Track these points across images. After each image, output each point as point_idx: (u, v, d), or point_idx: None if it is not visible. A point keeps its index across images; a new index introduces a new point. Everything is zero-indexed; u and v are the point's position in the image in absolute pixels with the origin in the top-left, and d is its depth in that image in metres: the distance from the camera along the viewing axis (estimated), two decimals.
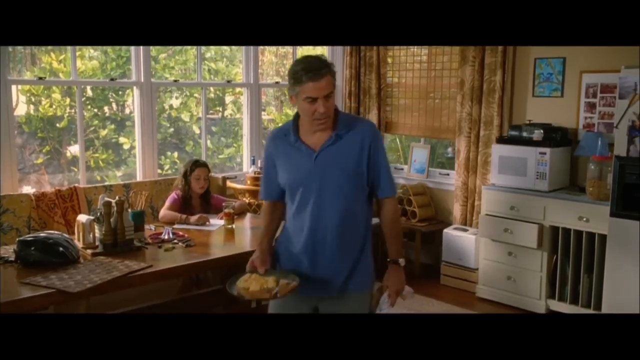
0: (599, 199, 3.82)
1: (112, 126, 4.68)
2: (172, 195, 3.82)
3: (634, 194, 3.45)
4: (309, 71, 2.05)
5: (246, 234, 3.72)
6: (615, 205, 3.53)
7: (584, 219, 3.85)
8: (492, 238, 4.28)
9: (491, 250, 4.32)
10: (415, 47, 5.19)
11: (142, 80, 4.25)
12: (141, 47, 4.21)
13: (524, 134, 4.21)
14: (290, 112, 5.57)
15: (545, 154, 4.05)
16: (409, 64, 5.25)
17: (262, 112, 5.39)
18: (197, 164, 3.84)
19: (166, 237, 3.26)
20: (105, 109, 4.78)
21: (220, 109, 5.48)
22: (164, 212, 3.73)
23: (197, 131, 4.94)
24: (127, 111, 4.84)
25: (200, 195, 3.86)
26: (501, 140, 4.33)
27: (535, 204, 4.06)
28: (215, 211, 3.84)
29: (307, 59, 2.12)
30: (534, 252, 4.08)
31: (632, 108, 3.40)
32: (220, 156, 5.26)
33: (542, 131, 4.11)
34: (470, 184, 4.72)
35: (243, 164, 5.10)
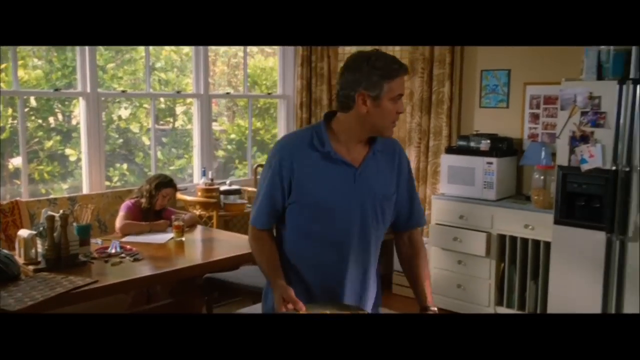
0: (543, 207, 3.94)
1: (58, 137, 4.55)
2: (127, 204, 3.76)
3: (576, 202, 3.56)
4: (401, 64, 1.78)
5: (197, 247, 3.67)
6: (559, 213, 3.64)
7: (530, 227, 3.95)
8: (442, 247, 4.35)
9: (441, 259, 4.38)
10: None
11: (89, 90, 4.16)
12: (87, 56, 4.12)
13: (472, 144, 4.30)
14: (243, 122, 5.54)
15: (492, 163, 4.15)
16: None
17: (214, 123, 5.34)
18: (170, 183, 3.84)
19: (113, 251, 3.19)
20: (51, 119, 4.65)
21: (171, 120, 5.41)
22: (124, 221, 3.64)
23: (147, 142, 4.86)
24: (73, 122, 4.72)
25: (156, 210, 3.83)
26: (450, 150, 4.41)
27: (483, 212, 4.15)
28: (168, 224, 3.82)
29: (384, 53, 1.79)
30: (482, 260, 4.16)
31: (572, 119, 3.52)
32: (171, 167, 5.18)
33: (489, 141, 4.21)
34: (420, 193, 4.79)
35: (194, 175, 5.04)
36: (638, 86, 3.28)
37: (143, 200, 3.76)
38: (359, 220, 1.84)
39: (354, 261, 1.86)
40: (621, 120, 3.35)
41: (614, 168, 3.39)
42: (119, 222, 3.65)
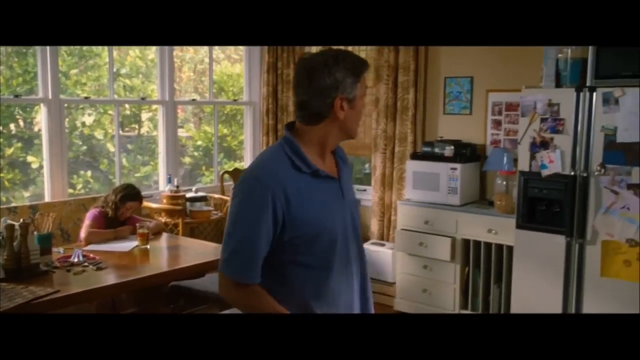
0: (506, 212, 4.01)
1: (19, 144, 4.46)
2: (93, 212, 3.71)
3: (537, 206, 3.64)
4: (363, 59, 1.66)
5: (163, 254, 3.64)
6: (520, 218, 3.71)
7: (493, 232, 4.02)
8: (408, 252, 4.39)
9: (407, 264, 4.43)
10: None
11: (50, 96, 4.10)
12: (49, 62, 4.06)
13: (436, 150, 4.36)
14: (209, 129, 5.52)
15: (456, 169, 4.21)
16: None
17: (180, 129, 5.31)
18: (136, 197, 3.80)
19: (75, 259, 3.15)
20: (12, 126, 4.56)
21: (137, 126, 5.36)
22: (89, 230, 3.58)
23: (112, 149, 4.80)
24: (35, 129, 4.64)
25: (121, 221, 3.79)
26: (415, 156, 4.46)
27: (448, 217, 4.21)
28: (132, 232, 3.77)
29: (347, 51, 1.65)
30: (447, 264, 4.22)
31: (532, 125, 3.60)
32: (137, 174, 5.12)
33: (452, 147, 4.28)
34: (386, 199, 4.83)
35: (159, 182, 4.99)
36: (594, 93, 3.37)
37: (108, 209, 3.72)
38: (353, 236, 1.73)
39: (356, 279, 1.74)
40: (579, 127, 3.44)
41: (572, 173, 3.47)
42: (83, 231, 3.60)
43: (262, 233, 1.55)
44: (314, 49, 5.34)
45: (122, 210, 3.73)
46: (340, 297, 1.68)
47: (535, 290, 3.66)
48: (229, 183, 5.19)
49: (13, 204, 4.04)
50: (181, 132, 5.38)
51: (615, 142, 3.34)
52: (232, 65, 5.74)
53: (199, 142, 5.60)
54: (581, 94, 3.42)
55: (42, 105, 4.14)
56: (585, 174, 3.43)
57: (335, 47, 1.69)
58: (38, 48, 4.04)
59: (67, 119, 4.39)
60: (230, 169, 5.31)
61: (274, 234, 1.57)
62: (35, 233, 3.03)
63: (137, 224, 3.62)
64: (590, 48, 3.47)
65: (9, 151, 4.30)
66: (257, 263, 1.58)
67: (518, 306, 3.77)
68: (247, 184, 1.59)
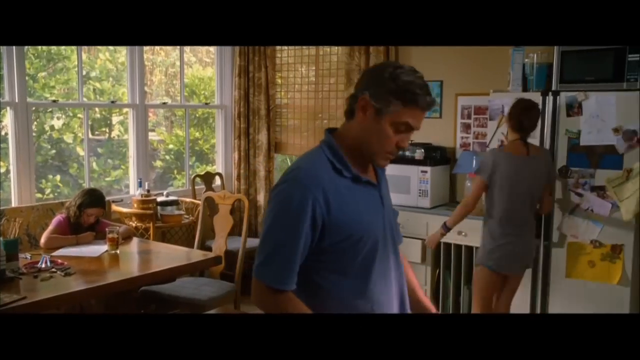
0: (475, 214, 4.06)
1: None
2: (58, 218, 3.65)
3: None
4: (428, 95, 1.51)
5: (133, 259, 3.61)
6: None
7: (463, 234, 4.07)
8: None
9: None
10: (303, 68, 5.30)
11: (17, 100, 4.03)
12: (15, 65, 4.00)
13: (407, 153, 4.41)
14: (181, 132, 5.49)
15: (426, 172, 4.26)
16: (298, 85, 5.35)
17: (152, 133, 5.27)
18: (95, 203, 3.69)
19: (43, 265, 3.10)
20: None
21: (107, 130, 5.30)
22: (48, 236, 3.54)
23: (82, 153, 4.75)
24: (2, 133, 4.57)
25: (87, 227, 3.73)
26: None
27: (419, 220, 4.25)
28: (102, 236, 3.72)
29: (420, 75, 1.53)
30: (418, 266, 4.26)
31: (500, 129, 3.67)
32: (107, 178, 5.07)
33: (423, 150, 4.32)
34: None
35: (130, 186, 4.95)
36: (558, 97, 3.45)
37: (71, 215, 3.66)
38: (392, 245, 1.65)
39: (396, 290, 1.68)
40: (545, 130, 3.51)
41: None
42: (44, 236, 3.55)
43: (300, 237, 1.47)
44: (285, 53, 5.36)
45: (83, 217, 3.67)
46: (380, 307, 1.61)
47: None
48: (201, 187, 5.17)
49: None
50: (153, 136, 5.34)
51: (579, 145, 3.42)
52: (203, 68, 5.72)
53: (171, 146, 5.57)
54: (547, 97, 3.49)
55: (8, 108, 4.07)
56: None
57: (410, 66, 1.55)
58: (3, 50, 3.97)
59: (35, 123, 4.33)
60: (202, 173, 5.29)
61: (312, 239, 1.49)
62: (1, 238, 2.98)
63: (107, 229, 3.58)
64: (555, 53, 3.55)
65: None
66: (294, 268, 1.50)
67: None
68: (286, 186, 1.51)
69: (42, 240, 3.54)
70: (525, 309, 3.64)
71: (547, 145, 3.50)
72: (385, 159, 1.57)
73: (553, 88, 3.54)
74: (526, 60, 3.71)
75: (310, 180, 1.49)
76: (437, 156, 4.36)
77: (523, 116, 3.19)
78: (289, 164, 6.03)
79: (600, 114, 3.34)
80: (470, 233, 4.03)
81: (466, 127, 4.47)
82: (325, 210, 1.47)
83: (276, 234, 1.50)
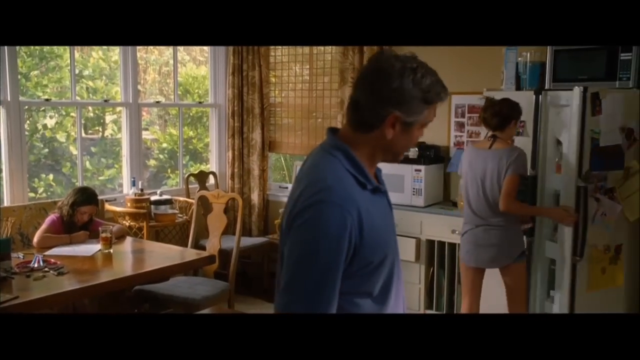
0: None
1: None
2: (51, 217, 3.63)
3: None
4: (445, 87, 1.45)
5: (126, 258, 3.60)
6: None
7: (457, 232, 4.07)
8: None
9: None
10: (297, 67, 5.30)
11: (9, 99, 4.01)
12: (7, 63, 3.98)
13: None
14: (175, 131, 5.47)
15: (420, 171, 4.26)
16: (292, 84, 5.35)
17: (146, 132, 5.26)
18: (88, 200, 3.67)
19: (36, 265, 3.09)
20: None
21: (100, 129, 5.28)
22: (41, 235, 3.52)
23: (75, 152, 4.73)
24: None
25: (80, 225, 3.72)
26: None
27: (413, 219, 4.26)
28: (95, 236, 3.72)
29: (430, 68, 1.43)
30: (412, 265, 4.26)
31: None
32: (101, 177, 5.05)
33: (417, 149, 4.33)
34: None
35: (124, 185, 4.93)
36: (586, 95, 3.42)
37: (64, 214, 3.65)
38: (398, 254, 1.52)
39: (402, 303, 1.58)
40: (538, 129, 3.51)
41: (533, 174, 3.55)
42: (37, 235, 3.53)
43: (340, 266, 1.31)
44: (279, 51, 5.35)
45: (77, 215, 3.65)
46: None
47: (498, 290, 3.72)
48: (195, 186, 5.16)
49: None
50: (146, 135, 5.32)
51: (598, 146, 3.38)
52: (197, 67, 5.70)
53: (164, 145, 5.55)
54: (540, 96, 3.50)
55: (0, 107, 4.05)
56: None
57: (420, 59, 1.42)
58: None
59: (27, 122, 4.31)
60: (196, 172, 5.28)
61: (344, 263, 1.32)
62: None
63: (100, 228, 3.57)
64: (548, 53, 3.56)
65: None
66: (336, 302, 1.34)
67: (481, 306, 3.83)
68: (319, 209, 1.31)
69: (35, 239, 3.52)
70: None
71: (542, 144, 3.50)
72: (399, 158, 1.51)
73: (546, 87, 3.55)
74: (519, 59, 3.72)
75: (346, 201, 1.31)
76: (430, 155, 4.36)
77: (485, 114, 3.31)
78: (283, 162, 6.03)
79: (614, 113, 3.29)
80: None
81: (460, 126, 4.48)
82: (358, 233, 1.32)
83: (315, 265, 1.30)
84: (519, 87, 3.71)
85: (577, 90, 3.24)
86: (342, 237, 1.29)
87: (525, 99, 3.56)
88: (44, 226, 3.59)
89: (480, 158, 3.32)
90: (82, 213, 3.65)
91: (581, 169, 3.27)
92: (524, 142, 3.56)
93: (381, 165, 1.56)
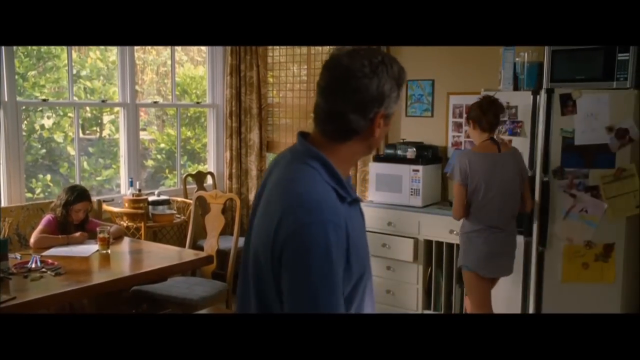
0: None
1: None
2: (47, 218, 3.63)
3: None
4: (404, 69, 1.38)
5: (124, 259, 3.60)
6: None
7: (455, 232, 4.08)
8: (372, 254, 4.38)
9: (371, 266, 4.45)
10: (295, 67, 5.30)
11: (6, 99, 4.00)
12: (4, 63, 3.97)
13: (399, 152, 4.41)
14: (173, 131, 5.47)
15: (418, 171, 4.26)
16: (290, 84, 5.35)
17: (144, 132, 5.25)
18: (80, 198, 3.66)
19: (33, 265, 3.08)
20: None
21: (98, 129, 5.28)
22: (38, 235, 3.51)
23: (72, 152, 4.72)
24: None
25: (76, 224, 3.71)
26: (377, 158, 4.50)
27: (410, 219, 4.26)
28: (93, 236, 3.71)
29: (389, 54, 1.41)
30: (410, 265, 4.27)
31: None
32: (98, 178, 5.04)
33: (415, 149, 4.33)
34: None
35: (121, 185, 4.93)
36: (552, 96, 3.46)
37: (58, 214, 3.64)
38: (371, 269, 1.46)
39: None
40: (536, 130, 3.52)
41: (530, 175, 3.55)
42: (33, 235, 3.52)
43: (337, 275, 1.22)
44: (277, 52, 5.35)
45: (71, 214, 3.65)
46: None
47: (495, 290, 3.73)
48: (192, 186, 5.15)
49: None
50: (144, 135, 5.31)
51: (573, 144, 3.43)
52: (195, 67, 5.70)
53: (162, 145, 5.54)
54: (538, 96, 3.51)
55: None
56: (546, 179, 3.51)
57: (374, 47, 1.40)
58: None
59: (25, 122, 4.30)
60: (194, 172, 5.28)
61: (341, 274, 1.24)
62: None
63: (98, 228, 3.56)
64: (546, 52, 3.56)
65: None
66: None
67: None
68: (315, 229, 1.20)
69: (32, 239, 3.52)
70: (517, 309, 3.65)
71: (540, 144, 3.51)
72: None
73: (544, 87, 3.55)
74: (517, 59, 3.72)
75: (335, 216, 1.22)
76: (428, 155, 4.37)
77: (487, 115, 3.19)
78: None
79: (595, 113, 3.35)
80: None
81: (458, 126, 4.48)
82: (346, 252, 1.23)
83: (323, 294, 1.21)
84: (516, 87, 3.72)
85: (543, 92, 3.49)
86: (337, 251, 1.21)
87: (523, 99, 3.57)
88: (40, 226, 3.59)
89: (498, 163, 3.20)
90: (77, 211, 3.65)
91: (547, 164, 3.49)
92: (520, 143, 3.57)
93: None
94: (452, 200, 4.34)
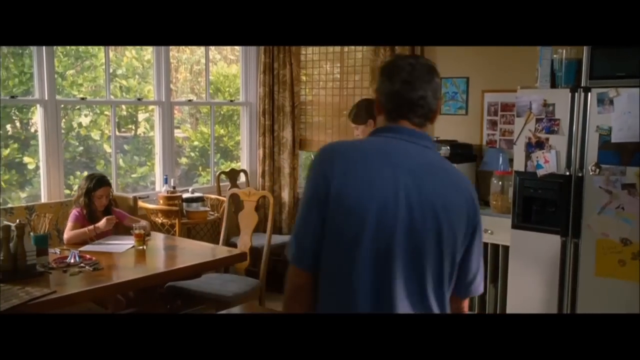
0: (501, 212, 4.02)
1: (16, 145, 4.46)
2: (74, 213, 3.70)
3: (532, 206, 3.65)
4: None
5: (159, 255, 3.65)
6: (516, 218, 3.72)
7: (489, 232, 4.03)
8: None
9: None
10: (328, 65, 5.30)
11: (47, 97, 4.10)
12: (45, 63, 4.06)
13: None
14: (206, 129, 5.52)
15: None
16: (322, 82, 5.35)
17: (177, 130, 5.31)
18: (99, 183, 3.71)
19: (72, 260, 3.14)
20: (8, 127, 4.56)
21: (133, 127, 5.36)
22: (68, 233, 3.59)
23: (109, 150, 4.80)
24: (32, 130, 4.64)
25: (102, 212, 3.76)
26: None
27: None
28: (123, 230, 3.77)
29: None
30: None
31: (527, 125, 3.61)
32: (133, 175, 5.12)
33: (448, 148, 4.28)
34: None
35: (156, 183, 5.00)
36: (589, 94, 3.39)
37: (82, 205, 3.69)
38: None
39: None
40: (574, 127, 3.45)
41: (567, 173, 3.49)
42: (65, 233, 3.59)
43: None
44: (310, 50, 5.35)
45: (95, 201, 3.69)
46: None
47: (530, 290, 3.68)
48: (226, 183, 5.20)
49: (9, 205, 4.03)
50: (178, 133, 5.38)
51: (610, 142, 3.36)
52: (228, 65, 5.74)
53: (196, 143, 5.60)
54: (576, 94, 3.43)
55: (38, 106, 4.14)
56: (580, 174, 3.45)
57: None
58: (34, 48, 4.04)
59: (63, 120, 4.39)
60: (227, 170, 5.32)
61: None
62: (32, 234, 3.03)
63: (133, 225, 3.62)
64: (585, 49, 3.48)
65: (5, 152, 4.30)
66: None
67: (514, 305, 3.78)
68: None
69: (65, 237, 3.59)
70: (553, 308, 3.59)
71: (577, 142, 3.44)
72: None
73: (583, 84, 3.47)
74: (555, 56, 3.65)
75: None
76: (463, 153, 4.31)
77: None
78: None
79: (632, 111, 3.27)
80: (496, 231, 3.99)
81: (492, 124, 4.42)
82: None
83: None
84: (554, 85, 3.64)
85: (580, 90, 3.43)
86: None
87: (560, 96, 3.50)
88: (69, 223, 3.65)
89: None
90: (99, 197, 3.70)
91: (583, 162, 3.46)
92: (557, 141, 3.51)
93: None
94: (487, 200, 4.29)
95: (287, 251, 1.57)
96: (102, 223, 3.62)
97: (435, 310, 1.53)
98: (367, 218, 1.45)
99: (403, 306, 1.48)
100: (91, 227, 3.61)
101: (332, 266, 1.50)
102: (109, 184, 3.79)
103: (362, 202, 1.46)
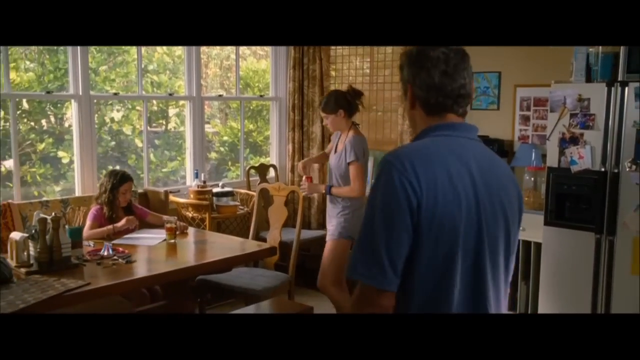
0: (534, 208, 3.97)
1: (50, 140, 4.55)
2: (92, 211, 3.69)
3: (565, 203, 3.59)
4: None
5: (190, 249, 3.68)
6: (549, 215, 3.67)
7: (521, 228, 3.96)
8: None
9: None
10: (358, 60, 5.28)
11: (81, 93, 4.17)
12: (79, 59, 4.13)
13: None
14: (235, 124, 5.55)
15: None
16: (352, 77, 5.33)
17: (207, 125, 5.35)
18: (124, 178, 3.74)
19: (105, 253, 3.19)
20: (43, 122, 4.65)
21: (164, 122, 5.42)
22: (87, 232, 3.56)
23: (140, 144, 4.87)
24: (66, 124, 4.73)
25: (124, 208, 3.80)
26: None
27: None
28: (145, 225, 3.81)
29: None
30: None
31: (561, 121, 3.55)
32: (164, 169, 5.18)
33: None
34: None
35: (186, 177, 5.05)
36: (626, 88, 3.31)
37: (104, 202, 3.70)
38: None
39: None
40: (610, 122, 3.38)
41: (602, 169, 3.42)
42: (84, 232, 3.56)
43: None
44: (339, 49, 5.34)
45: (119, 197, 3.70)
46: None
47: (563, 288, 3.62)
48: (255, 178, 5.22)
49: (45, 198, 4.11)
50: (208, 128, 5.42)
51: None
52: (257, 61, 5.76)
53: (225, 138, 5.64)
54: (612, 88, 3.36)
55: (72, 101, 4.21)
56: (616, 170, 3.38)
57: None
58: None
59: (96, 115, 4.46)
60: (256, 165, 5.35)
61: None
62: (67, 226, 3.08)
63: (164, 218, 3.65)
64: None
65: (40, 146, 4.39)
66: None
67: (545, 304, 3.73)
68: None
69: (84, 235, 3.61)
70: (587, 307, 3.53)
71: (613, 138, 3.37)
72: None
73: (620, 78, 3.40)
74: (590, 49, 3.57)
75: None
76: (494, 149, 4.25)
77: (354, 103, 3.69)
78: None
79: None
80: (528, 228, 3.93)
81: (525, 119, 4.36)
82: None
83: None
84: (589, 79, 3.57)
85: (617, 84, 3.38)
86: None
87: (596, 91, 3.43)
88: (88, 222, 3.63)
89: None
90: (123, 193, 3.72)
91: (619, 157, 3.39)
92: (592, 136, 3.44)
93: None
94: None
95: (354, 270, 1.41)
96: (121, 223, 3.64)
97: (504, 309, 1.56)
98: (460, 229, 1.39)
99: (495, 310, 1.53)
100: (110, 226, 3.63)
101: (425, 282, 1.41)
102: (132, 179, 3.83)
103: (453, 213, 1.38)
